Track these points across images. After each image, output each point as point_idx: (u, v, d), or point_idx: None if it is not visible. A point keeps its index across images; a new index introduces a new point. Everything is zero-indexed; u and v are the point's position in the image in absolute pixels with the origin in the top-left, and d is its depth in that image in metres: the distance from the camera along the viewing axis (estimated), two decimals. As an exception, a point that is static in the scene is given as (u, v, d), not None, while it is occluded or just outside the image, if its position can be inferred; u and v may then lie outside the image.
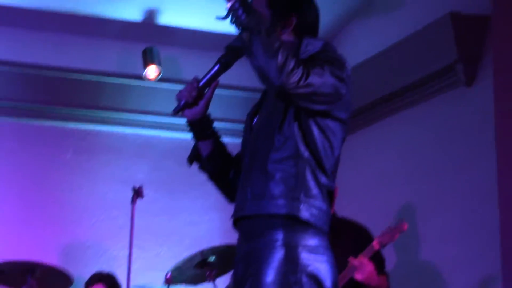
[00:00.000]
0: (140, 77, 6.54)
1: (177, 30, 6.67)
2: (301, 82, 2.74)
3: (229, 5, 2.81)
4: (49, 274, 5.48)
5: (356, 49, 6.58)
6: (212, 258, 5.24)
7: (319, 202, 2.86)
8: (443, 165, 5.58)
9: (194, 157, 3.16)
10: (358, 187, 6.41)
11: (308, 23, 3.08)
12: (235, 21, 2.80)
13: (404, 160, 6.01)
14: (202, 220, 6.83)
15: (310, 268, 2.79)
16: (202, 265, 5.26)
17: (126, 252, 5.63)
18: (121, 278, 5.64)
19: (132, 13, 6.44)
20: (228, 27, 2.87)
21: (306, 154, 2.85)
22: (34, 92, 6.64)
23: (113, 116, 6.66)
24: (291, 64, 2.72)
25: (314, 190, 2.85)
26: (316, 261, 2.82)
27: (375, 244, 4.66)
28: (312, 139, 2.87)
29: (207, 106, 3.06)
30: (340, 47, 6.77)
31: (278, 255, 2.78)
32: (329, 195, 2.93)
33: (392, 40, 5.95)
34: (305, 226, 2.82)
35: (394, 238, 4.68)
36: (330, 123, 2.91)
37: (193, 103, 3.02)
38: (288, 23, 3.02)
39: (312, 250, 2.82)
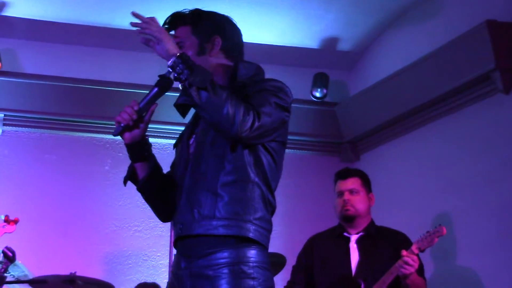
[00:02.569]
0: (178, 90, 6.57)
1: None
2: (254, 126, 2.84)
3: (170, 63, 2.85)
4: (89, 284, 5.53)
5: (391, 59, 6.59)
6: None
7: (265, 223, 2.98)
8: (480, 173, 5.55)
9: (130, 177, 3.19)
10: (394, 197, 6.40)
11: (234, 44, 3.19)
12: (178, 79, 2.85)
13: (441, 169, 5.99)
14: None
15: (267, 284, 2.92)
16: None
17: (166, 261, 5.66)
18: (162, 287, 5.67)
19: (168, 26, 6.49)
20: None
21: (255, 177, 2.96)
22: (73, 105, 6.73)
23: (150, 127, 6.69)
24: (241, 111, 2.81)
25: (262, 211, 2.97)
26: (268, 276, 2.95)
27: (414, 248, 4.63)
28: (261, 162, 2.99)
29: (145, 129, 3.08)
30: (374, 58, 6.83)
31: (232, 272, 2.88)
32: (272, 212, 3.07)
33: (428, 49, 5.94)
34: (253, 244, 2.93)
35: (433, 242, 4.65)
36: (274, 145, 3.03)
37: (134, 126, 3.03)
38: (214, 44, 3.12)
39: (263, 266, 2.94)
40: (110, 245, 6.61)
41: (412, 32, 6.39)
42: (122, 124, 3.00)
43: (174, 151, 3.29)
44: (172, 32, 3.15)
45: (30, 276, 5.52)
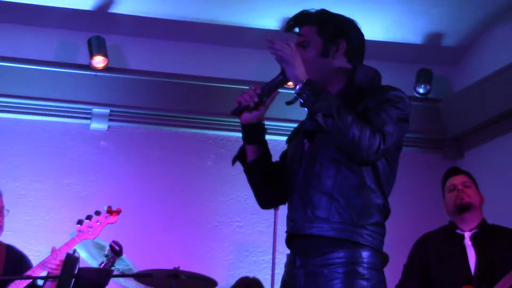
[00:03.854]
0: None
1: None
2: (380, 150, 2.89)
3: (297, 89, 2.91)
4: (192, 278, 5.60)
5: (497, 54, 6.48)
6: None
7: (379, 228, 3.02)
8: None
9: (239, 158, 3.25)
10: (498, 196, 6.25)
11: (357, 48, 3.19)
12: (305, 105, 2.91)
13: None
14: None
15: (379, 285, 2.96)
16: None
17: (267, 257, 5.69)
18: (263, 283, 5.70)
19: (270, 22, 6.52)
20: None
21: (370, 183, 3.00)
22: (176, 101, 6.81)
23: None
24: (366, 135, 2.85)
25: (376, 217, 3.01)
26: (380, 278, 2.98)
27: None
28: (376, 168, 3.01)
29: (264, 112, 3.13)
30: (479, 53, 6.70)
31: (347, 272, 2.92)
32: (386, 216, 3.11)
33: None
34: (367, 246, 2.97)
35: None
36: (393, 153, 3.06)
37: (253, 108, 3.08)
38: (339, 47, 3.12)
39: (376, 268, 2.98)
40: (212, 240, 6.67)
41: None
42: (242, 104, 3.07)
43: (286, 146, 3.34)
44: (297, 30, 3.18)
45: (135, 270, 5.61)
